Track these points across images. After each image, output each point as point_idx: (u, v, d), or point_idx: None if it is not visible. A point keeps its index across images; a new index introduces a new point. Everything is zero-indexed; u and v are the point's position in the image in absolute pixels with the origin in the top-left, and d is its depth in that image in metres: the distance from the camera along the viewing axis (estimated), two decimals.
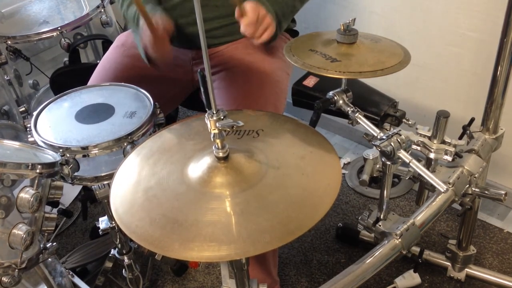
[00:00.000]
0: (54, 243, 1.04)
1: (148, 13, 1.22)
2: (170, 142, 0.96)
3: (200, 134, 0.92)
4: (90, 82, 1.45)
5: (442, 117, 1.12)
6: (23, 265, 0.95)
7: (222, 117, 0.80)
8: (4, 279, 0.94)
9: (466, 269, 1.58)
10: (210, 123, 0.80)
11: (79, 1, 1.87)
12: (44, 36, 1.69)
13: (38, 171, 0.95)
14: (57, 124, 1.19)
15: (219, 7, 1.35)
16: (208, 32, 0.73)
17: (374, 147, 1.02)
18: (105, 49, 1.73)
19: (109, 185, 0.98)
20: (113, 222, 1.35)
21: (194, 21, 0.74)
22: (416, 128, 1.16)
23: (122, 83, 1.32)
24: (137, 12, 1.29)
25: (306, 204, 0.78)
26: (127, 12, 1.40)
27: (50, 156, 1.08)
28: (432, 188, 1.24)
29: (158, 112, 1.22)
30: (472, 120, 1.30)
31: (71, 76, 1.74)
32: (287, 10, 1.36)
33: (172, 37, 1.29)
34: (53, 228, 1.02)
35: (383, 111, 1.16)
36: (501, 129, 1.36)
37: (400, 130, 1.02)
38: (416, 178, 1.23)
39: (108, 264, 1.59)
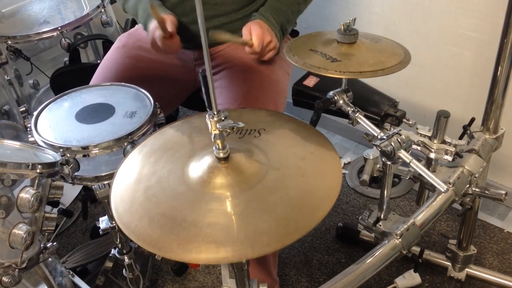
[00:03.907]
0: (55, 243, 1.04)
1: (159, 14, 1.23)
2: (172, 139, 0.95)
3: (202, 131, 0.92)
4: (91, 83, 1.45)
5: (442, 117, 1.12)
6: (24, 265, 0.95)
7: (223, 118, 0.80)
8: (5, 279, 0.94)
9: (466, 269, 1.58)
10: (211, 124, 0.80)
11: (79, 1, 1.87)
12: (44, 36, 1.69)
13: (38, 171, 0.95)
14: (57, 124, 1.19)
15: (218, 5, 1.35)
16: (208, 31, 0.73)
17: (375, 147, 1.02)
18: (106, 49, 1.73)
19: (109, 185, 0.98)
20: (113, 222, 1.35)
21: (195, 20, 0.74)
22: (417, 128, 1.16)
23: (123, 83, 1.32)
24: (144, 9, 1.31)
25: (305, 206, 0.78)
26: (126, 4, 1.42)
27: (51, 156, 1.08)
28: (433, 188, 1.24)
29: (159, 112, 1.22)
30: (472, 120, 1.30)
31: (71, 76, 1.74)
32: (292, 17, 1.38)
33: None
34: (54, 228, 1.02)
35: (384, 111, 1.16)
36: (501, 129, 1.36)
37: (400, 130, 1.02)
38: (417, 178, 1.23)
39: (109, 264, 1.59)
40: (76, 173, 1.13)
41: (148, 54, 1.47)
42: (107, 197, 1.23)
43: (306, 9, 1.43)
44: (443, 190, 1.02)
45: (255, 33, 1.26)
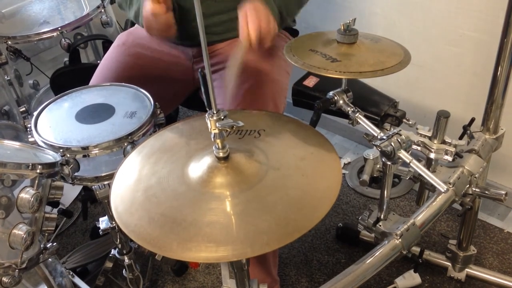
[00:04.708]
0: (55, 243, 1.04)
1: None
2: (172, 141, 0.95)
3: (202, 133, 0.92)
4: (91, 82, 1.45)
5: (442, 117, 1.12)
6: (23, 265, 0.95)
7: (222, 117, 0.80)
8: (4, 279, 0.94)
9: (466, 269, 1.58)
10: (211, 123, 0.80)
11: (79, 1, 1.87)
12: (44, 36, 1.69)
13: (38, 171, 0.95)
14: (57, 124, 1.19)
15: (219, 2, 1.34)
16: (207, 28, 0.73)
17: (375, 147, 1.02)
18: (105, 49, 1.73)
19: (109, 185, 0.98)
20: (114, 222, 1.35)
21: (194, 17, 0.73)
22: (417, 128, 1.16)
23: (122, 83, 1.32)
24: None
25: (305, 206, 0.78)
26: (129, 11, 1.41)
27: (51, 156, 1.08)
28: (433, 188, 1.24)
29: (159, 112, 1.22)
30: (472, 120, 1.30)
31: (71, 76, 1.74)
32: (292, 3, 1.36)
33: (174, 14, 1.28)
34: (53, 228, 1.02)
35: (383, 111, 1.16)
36: (502, 129, 1.36)
37: (400, 130, 1.02)
38: (417, 178, 1.23)
39: (109, 264, 1.59)
40: (76, 173, 1.13)
41: (148, 52, 1.47)
42: (107, 197, 1.23)
43: (307, 4, 1.42)
44: (443, 190, 1.02)
45: (251, 23, 1.20)
